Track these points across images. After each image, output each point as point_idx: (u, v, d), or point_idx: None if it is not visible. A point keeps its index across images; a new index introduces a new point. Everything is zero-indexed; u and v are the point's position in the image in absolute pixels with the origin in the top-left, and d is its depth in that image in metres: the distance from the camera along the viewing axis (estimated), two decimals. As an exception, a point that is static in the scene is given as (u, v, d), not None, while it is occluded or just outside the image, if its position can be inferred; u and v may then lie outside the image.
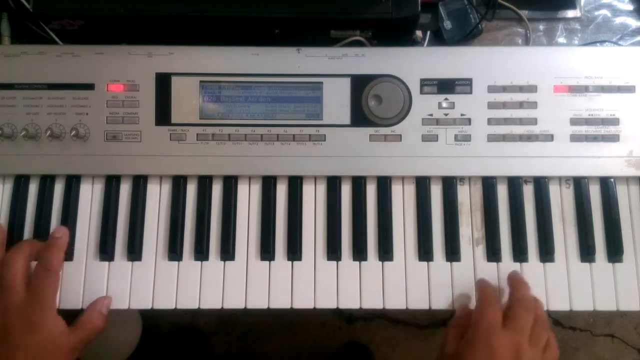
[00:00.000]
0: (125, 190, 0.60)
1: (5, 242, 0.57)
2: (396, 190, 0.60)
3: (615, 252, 0.59)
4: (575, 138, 0.59)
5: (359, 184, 0.60)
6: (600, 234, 0.60)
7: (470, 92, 0.60)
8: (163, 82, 0.59)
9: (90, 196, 0.60)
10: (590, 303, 0.58)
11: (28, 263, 0.54)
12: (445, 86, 0.60)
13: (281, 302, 0.58)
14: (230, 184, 0.60)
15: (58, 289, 0.55)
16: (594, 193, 0.60)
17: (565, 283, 0.58)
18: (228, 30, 0.63)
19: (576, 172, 0.59)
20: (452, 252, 0.59)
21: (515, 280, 0.57)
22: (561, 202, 0.60)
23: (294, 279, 0.58)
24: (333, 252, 0.59)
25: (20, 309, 0.51)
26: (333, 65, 0.60)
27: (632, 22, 0.72)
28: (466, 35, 0.69)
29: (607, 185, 0.60)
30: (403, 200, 0.60)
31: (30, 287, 0.52)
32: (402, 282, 0.58)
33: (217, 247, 0.59)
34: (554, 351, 0.54)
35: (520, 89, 0.60)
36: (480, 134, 0.59)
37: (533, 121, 0.59)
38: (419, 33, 0.68)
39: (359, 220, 0.59)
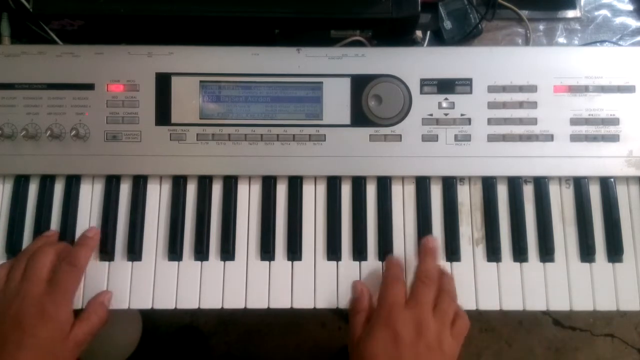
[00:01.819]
0: (125, 190, 0.60)
1: (56, 243, 0.58)
2: (396, 190, 0.61)
3: (615, 252, 0.59)
4: (575, 138, 0.59)
5: (359, 184, 0.60)
6: (600, 234, 0.60)
7: (470, 92, 0.60)
8: (163, 82, 0.59)
9: (90, 196, 0.60)
10: (590, 303, 0.58)
11: (57, 258, 0.55)
12: (445, 86, 0.60)
13: (281, 302, 0.58)
14: (230, 184, 0.60)
15: (78, 286, 0.55)
16: (594, 193, 0.60)
17: (565, 283, 0.58)
18: (228, 30, 0.63)
19: (576, 172, 0.59)
20: (452, 252, 0.59)
21: (421, 253, 0.56)
22: (561, 202, 0.60)
23: (294, 279, 0.58)
24: (333, 252, 0.59)
25: (39, 298, 0.52)
26: (333, 65, 0.60)
27: (632, 22, 0.72)
28: (466, 35, 0.69)
29: (607, 185, 0.60)
30: (403, 200, 0.60)
31: (52, 279, 0.53)
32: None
33: (217, 247, 0.59)
34: (464, 322, 0.54)
35: (520, 89, 0.60)
36: (480, 134, 0.59)
37: (533, 121, 0.59)
38: (419, 33, 0.68)
39: (359, 220, 0.59)
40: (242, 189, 0.60)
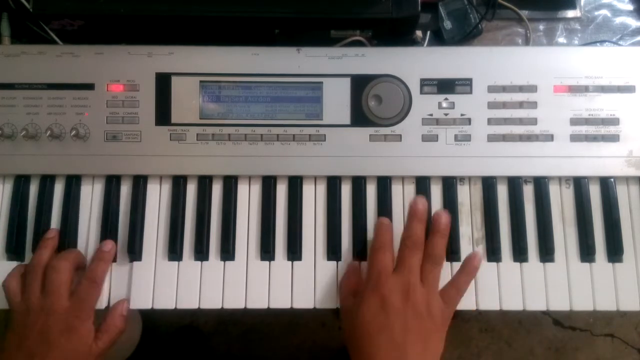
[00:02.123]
0: (125, 190, 0.60)
1: (56, 247, 0.58)
2: (396, 190, 0.60)
3: (615, 252, 0.59)
4: (575, 138, 0.59)
5: (359, 184, 0.60)
6: (600, 234, 0.59)
7: (470, 92, 0.60)
8: (163, 82, 0.59)
9: (90, 196, 0.60)
10: (590, 303, 0.58)
11: (74, 271, 0.56)
12: (445, 86, 0.60)
13: (281, 302, 0.58)
14: (230, 184, 0.60)
15: (99, 299, 0.56)
16: (594, 193, 0.60)
17: (565, 283, 0.58)
18: (228, 30, 0.63)
19: (576, 172, 0.59)
20: (452, 252, 0.58)
21: (409, 215, 0.56)
22: (561, 202, 0.60)
23: (294, 279, 0.58)
24: (333, 252, 0.59)
25: (63, 313, 0.54)
26: (333, 65, 0.60)
27: (632, 22, 0.72)
28: (466, 35, 0.69)
29: (607, 185, 0.60)
30: (403, 200, 0.60)
31: (74, 295, 0.55)
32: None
33: (217, 247, 0.59)
34: (454, 290, 0.55)
35: (520, 89, 0.60)
36: (480, 134, 0.59)
37: (533, 121, 0.59)
38: (419, 33, 0.68)
39: (359, 220, 0.59)
40: (242, 189, 0.60)
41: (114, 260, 0.58)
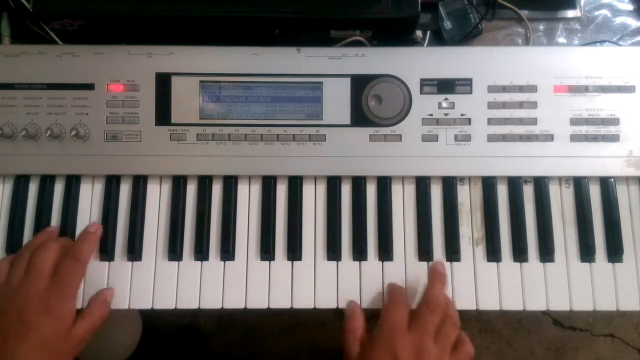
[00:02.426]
0: (125, 190, 0.60)
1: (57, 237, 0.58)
2: (396, 190, 0.60)
3: (615, 252, 0.59)
4: (575, 138, 0.59)
5: (359, 184, 0.60)
6: (600, 234, 0.59)
7: (470, 92, 0.60)
8: (163, 82, 0.59)
9: (90, 196, 0.60)
10: (590, 303, 0.58)
11: (61, 253, 0.55)
12: (445, 86, 0.60)
13: (281, 302, 0.58)
14: (230, 184, 0.60)
15: (82, 281, 0.55)
16: (594, 193, 0.60)
17: (565, 283, 0.58)
18: (228, 30, 0.63)
19: (576, 172, 0.59)
20: (452, 252, 0.59)
21: (431, 277, 0.56)
22: (561, 202, 0.60)
23: (294, 279, 0.58)
24: (333, 252, 0.59)
25: (42, 292, 0.52)
26: (333, 65, 0.60)
27: (632, 22, 0.72)
28: (466, 35, 0.69)
29: (607, 185, 0.60)
30: (403, 200, 0.60)
31: (56, 274, 0.53)
32: (402, 282, 0.58)
33: (217, 247, 0.59)
34: (467, 348, 0.54)
35: (520, 89, 0.60)
36: (480, 134, 0.59)
37: (533, 121, 0.59)
38: (419, 33, 0.68)
39: (359, 220, 0.59)
40: (242, 189, 0.60)
41: (112, 259, 0.58)
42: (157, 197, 0.60)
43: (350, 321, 0.55)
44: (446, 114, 0.60)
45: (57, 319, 0.52)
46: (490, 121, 0.60)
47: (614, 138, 0.59)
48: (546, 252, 0.59)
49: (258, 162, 0.59)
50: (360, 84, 0.60)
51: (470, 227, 0.60)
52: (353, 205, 0.60)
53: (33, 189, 0.60)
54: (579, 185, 0.60)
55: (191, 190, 0.60)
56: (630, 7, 0.73)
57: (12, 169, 0.60)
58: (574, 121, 0.59)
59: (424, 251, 0.59)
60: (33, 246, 0.55)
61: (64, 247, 0.55)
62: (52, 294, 0.52)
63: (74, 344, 0.53)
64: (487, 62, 0.60)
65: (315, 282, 0.58)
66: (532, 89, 0.60)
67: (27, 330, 0.50)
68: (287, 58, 0.60)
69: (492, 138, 0.59)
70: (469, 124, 0.59)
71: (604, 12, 0.73)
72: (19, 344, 0.50)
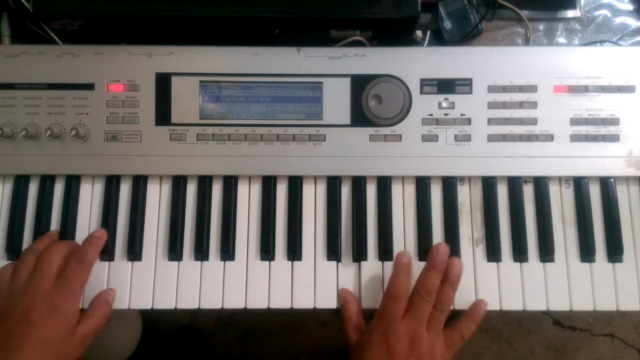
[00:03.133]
0: (125, 190, 0.60)
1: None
2: (396, 190, 0.60)
3: (615, 252, 0.59)
4: (575, 138, 0.59)
5: (359, 184, 0.60)
6: (600, 234, 0.59)
7: (470, 92, 0.60)
8: (163, 82, 0.59)
9: (90, 196, 0.60)
10: (590, 303, 0.58)
11: (66, 256, 0.55)
12: (445, 86, 0.60)
13: (281, 302, 0.58)
14: (230, 184, 0.60)
15: (86, 283, 0.56)
16: (594, 193, 0.60)
17: (565, 283, 0.58)
18: (228, 30, 0.63)
19: (576, 172, 0.59)
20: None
21: (427, 263, 0.56)
22: (561, 202, 0.60)
23: (294, 279, 0.58)
24: (333, 252, 0.59)
25: (48, 293, 0.52)
26: (333, 65, 0.60)
27: (632, 22, 0.72)
28: (466, 35, 0.69)
29: (607, 185, 0.60)
30: (403, 200, 0.60)
31: (61, 275, 0.54)
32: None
33: (217, 247, 0.59)
34: (458, 334, 0.56)
35: (520, 89, 0.60)
36: (480, 134, 0.59)
37: (533, 121, 0.59)
38: (419, 33, 0.68)
39: (359, 220, 0.59)
40: (242, 189, 0.60)
41: (112, 259, 0.58)
42: (157, 197, 0.60)
43: (344, 309, 0.57)
44: (446, 114, 0.60)
45: (62, 319, 0.52)
46: (490, 121, 0.60)
47: (614, 138, 0.59)
48: (546, 252, 0.59)
49: (258, 162, 0.59)
50: (360, 84, 0.60)
51: (470, 227, 0.60)
52: (353, 205, 0.60)
53: (33, 189, 0.60)
54: (579, 185, 0.60)
55: (191, 190, 0.60)
56: (630, 7, 0.73)
57: (12, 169, 0.60)
58: (574, 121, 0.59)
59: (424, 251, 0.58)
60: (36, 250, 0.56)
61: (70, 250, 0.56)
62: (58, 295, 0.53)
63: (78, 344, 0.53)
64: (487, 62, 0.60)
65: (315, 282, 0.58)
66: (532, 89, 0.60)
67: (32, 328, 0.51)
68: (287, 58, 0.60)
69: (492, 138, 0.59)
70: (469, 124, 0.59)
71: (604, 12, 0.73)
72: (22, 342, 0.50)
